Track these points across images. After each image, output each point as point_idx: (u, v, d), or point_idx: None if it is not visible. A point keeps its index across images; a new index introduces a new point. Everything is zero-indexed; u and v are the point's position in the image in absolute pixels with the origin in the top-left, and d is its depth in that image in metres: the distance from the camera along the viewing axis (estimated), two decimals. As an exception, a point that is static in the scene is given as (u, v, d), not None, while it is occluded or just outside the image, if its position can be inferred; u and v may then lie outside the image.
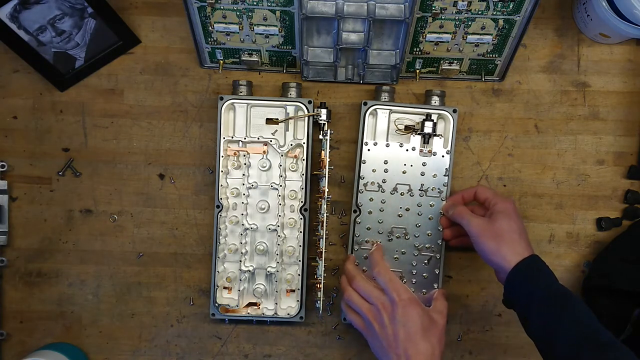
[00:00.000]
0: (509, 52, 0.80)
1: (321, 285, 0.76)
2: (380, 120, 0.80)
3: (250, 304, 0.81)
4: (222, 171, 0.79)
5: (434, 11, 0.74)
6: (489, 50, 0.80)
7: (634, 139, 0.84)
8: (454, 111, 0.79)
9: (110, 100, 0.84)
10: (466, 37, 0.78)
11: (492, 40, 0.78)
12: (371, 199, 0.80)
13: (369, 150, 0.80)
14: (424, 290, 0.79)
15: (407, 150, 0.80)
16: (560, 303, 0.65)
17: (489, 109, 0.84)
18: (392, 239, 0.79)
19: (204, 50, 0.82)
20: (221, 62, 0.83)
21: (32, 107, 0.83)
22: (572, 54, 0.84)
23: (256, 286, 0.81)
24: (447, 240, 0.79)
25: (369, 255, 0.78)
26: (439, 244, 0.79)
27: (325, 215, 0.76)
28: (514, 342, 0.83)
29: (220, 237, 0.79)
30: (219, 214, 0.79)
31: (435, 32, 0.77)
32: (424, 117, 0.79)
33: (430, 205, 0.79)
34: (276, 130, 0.80)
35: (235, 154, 0.80)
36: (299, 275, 0.80)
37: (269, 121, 0.80)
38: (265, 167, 0.80)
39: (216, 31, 0.78)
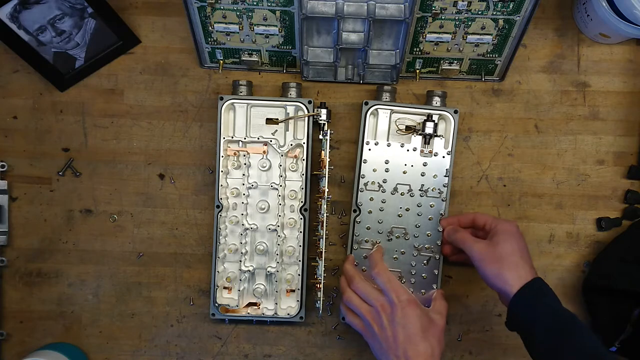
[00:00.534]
0: (509, 52, 0.80)
1: (321, 286, 0.76)
2: (381, 120, 0.80)
3: (250, 304, 0.81)
4: (222, 171, 0.79)
5: (434, 11, 0.74)
6: (489, 50, 0.80)
7: (634, 139, 0.84)
8: (455, 112, 0.79)
9: (110, 100, 0.84)
10: (466, 37, 0.78)
11: (492, 40, 0.78)
12: (371, 199, 0.80)
13: (369, 150, 0.80)
14: (422, 291, 0.79)
15: (408, 150, 0.80)
16: (565, 329, 0.65)
17: (489, 109, 0.84)
18: (391, 239, 0.79)
19: (204, 50, 0.82)
20: (221, 62, 0.83)
21: (32, 107, 0.83)
22: (572, 54, 0.84)
23: (256, 286, 0.81)
24: (447, 256, 0.79)
25: (369, 256, 0.78)
26: (438, 244, 0.79)
27: (325, 215, 0.76)
28: (514, 342, 0.83)
29: (220, 237, 0.79)
30: (219, 214, 0.79)
31: (435, 32, 0.77)
32: (425, 118, 0.79)
33: (431, 206, 0.79)
34: (276, 130, 0.80)
35: (235, 154, 0.80)
36: (299, 275, 0.80)
37: (269, 121, 0.80)
38: (265, 167, 0.80)
39: (216, 31, 0.78)
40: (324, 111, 0.80)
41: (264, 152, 0.80)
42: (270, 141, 0.80)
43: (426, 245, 0.79)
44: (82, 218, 0.83)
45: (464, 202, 0.83)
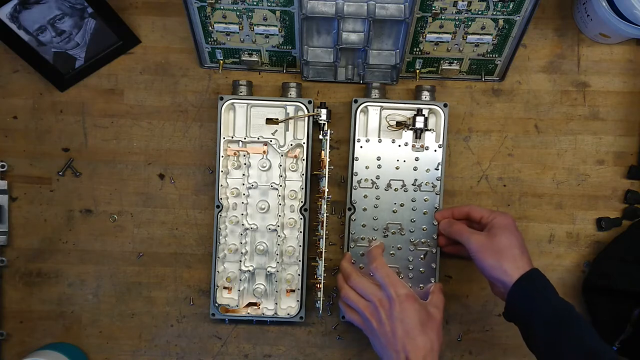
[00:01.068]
0: (509, 52, 0.80)
1: (321, 285, 0.76)
2: (371, 117, 0.80)
3: (250, 304, 0.81)
4: (222, 171, 0.79)
5: (434, 11, 0.74)
6: (489, 50, 0.80)
7: (634, 139, 0.84)
8: (445, 105, 0.79)
9: (110, 100, 0.84)
10: (466, 37, 0.78)
11: (492, 40, 0.78)
12: (365, 196, 0.80)
13: (361, 147, 0.80)
14: (421, 285, 0.79)
15: (399, 146, 0.80)
16: (564, 320, 0.65)
17: (489, 109, 0.84)
18: (387, 235, 0.79)
19: (204, 50, 0.82)
20: (221, 62, 0.83)
21: (32, 107, 0.83)
22: (572, 54, 0.84)
23: (256, 286, 0.81)
24: (442, 247, 0.79)
25: (368, 251, 0.77)
26: (434, 238, 0.79)
27: (325, 215, 0.76)
28: (514, 342, 0.83)
29: (220, 237, 0.79)
30: (219, 214, 0.79)
31: (435, 32, 0.77)
32: (415, 112, 0.79)
33: (425, 200, 0.79)
34: (276, 130, 0.80)
35: (235, 154, 0.80)
36: (299, 275, 0.80)
37: (269, 121, 0.80)
38: (265, 167, 0.80)
39: (216, 31, 0.78)
40: (324, 111, 0.80)
41: (264, 152, 0.80)
42: (270, 141, 0.80)
43: (422, 240, 0.79)
44: (82, 218, 0.83)
45: (464, 202, 0.83)
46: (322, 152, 0.77)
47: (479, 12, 0.75)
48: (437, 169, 0.79)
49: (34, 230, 0.83)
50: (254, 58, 0.81)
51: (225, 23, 0.77)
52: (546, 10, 0.84)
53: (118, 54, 0.83)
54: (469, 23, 0.76)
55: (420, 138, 0.80)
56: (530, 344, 0.67)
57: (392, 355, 0.68)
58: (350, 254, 0.79)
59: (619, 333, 0.78)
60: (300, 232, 0.80)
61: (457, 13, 0.75)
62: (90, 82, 0.84)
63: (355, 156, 0.80)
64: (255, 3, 0.74)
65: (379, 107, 0.80)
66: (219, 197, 0.79)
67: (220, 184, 0.79)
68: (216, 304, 0.80)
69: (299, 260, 0.80)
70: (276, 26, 0.77)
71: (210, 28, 0.78)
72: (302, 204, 0.80)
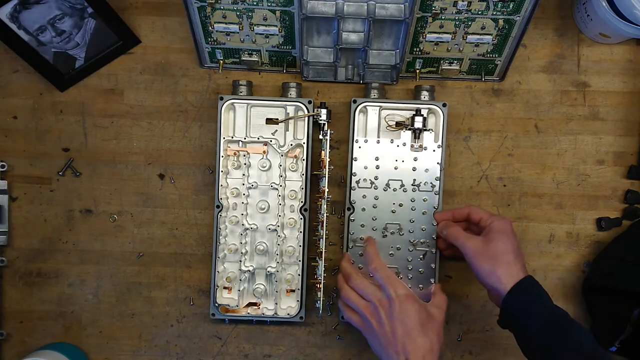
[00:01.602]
0: (509, 52, 0.80)
1: (321, 286, 0.76)
2: (370, 118, 0.80)
3: (250, 304, 0.81)
4: (222, 171, 0.79)
5: (434, 11, 0.74)
6: (489, 50, 0.80)
7: (634, 139, 0.84)
8: (444, 105, 0.79)
9: (110, 100, 0.84)
10: (466, 37, 0.78)
11: (492, 40, 0.78)
12: (364, 196, 0.80)
13: (360, 147, 0.80)
14: (420, 286, 0.79)
15: (398, 146, 0.80)
16: (561, 326, 0.65)
17: (489, 109, 0.84)
18: (386, 235, 0.79)
19: (204, 50, 0.82)
20: (221, 62, 0.83)
21: (32, 107, 0.83)
22: (572, 54, 0.84)
23: (256, 286, 0.81)
24: (441, 250, 0.79)
25: (364, 252, 0.77)
26: (433, 238, 0.79)
27: (325, 215, 0.76)
28: (514, 343, 0.82)
29: (220, 237, 0.79)
30: (219, 214, 0.79)
31: (435, 32, 0.77)
32: (414, 112, 0.79)
33: (424, 200, 0.79)
34: (276, 130, 0.80)
35: (235, 154, 0.80)
36: (299, 275, 0.80)
37: (269, 121, 0.80)
38: (265, 167, 0.80)
39: (216, 31, 0.78)
40: (324, 111, 0.80)
41: (264, 152, 0.80)
42: (270, 141, 0.80)
43: (421, 240, 0.79)
44: (82, 218, 0.83)
45: (464, 202, 0.83)
46: (322, 152, 0.77)
47: (479, 12, 0.75)
48: (436, 169, 0.79)
49: (34, 230, 0.83)
50: (254, 58, 0.81)
51: (225, 23, 0.77)
52: (546, 10, 0.84)
53: (118, 54, 0.83)
54: (469, 23, 0.76)
55: (419, 138, 0.80)
56: (527, 350, 0.67)
57: (392, 355, 0.68)
58: (349, 254, 0.79)
59: (619, 333, 0.78)
60: (300, 232, 0.80)
61: (457, 13, 0.75)
62: (90, 82, 0.84)
63: (354, 156, 0.80)
64: (255, 3, 0.74)
65: (378, 107, 0.80)
66: (219, 197, 0.79)
67: (220, 184, 0.79)
68: (216, 304, 0.80)
69: (299, 260, 0.80)
70: (276, 26, 0.77)
71: (210, 28, 0.78)
72: (302, 204, 0.80)
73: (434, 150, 0.79)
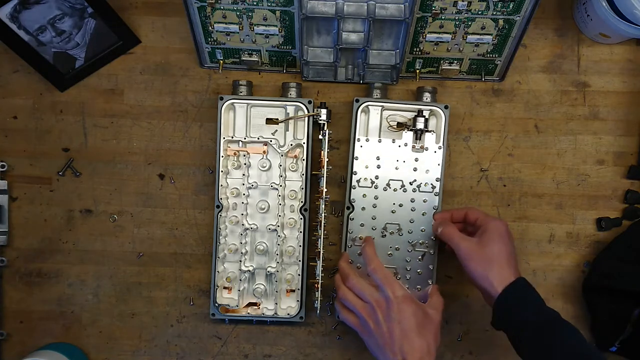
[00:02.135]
0: (509, 52, 0.80)
1: (319, 286, 0.76)
2: (372, 117, 0.80)
3: (250, 304, 0.81)
4: (222, 171, 0.79)
5: (434, 11, 0.74)
6: (489, 50, 0.80)
7: (634, 139, 0.84)
8: (446, 107, 0.79)
9: (110, 100, 0.84)
10: (466, 37, 0.78)
11: (492, 40, 0.78)
12: (364, 195, 0.80)
13: (361, 146, 0.80)
14: (418, 287, 0.79)
15: (399, 146, 0.80)
16: (552, 329, 0.66)
17: (489, 109, 0.84)
18: (385, 235, 0.79)
19: (204, 50, 0.82)
20: (221, 62, 0.83)
21: (32, 107, 0.83)
22: (572, 54, 0.84)
23: (256, 286, 0.81)
24: (441, 243, 0.79)
25: (362, 251, 0.77)
26: (432, 239, 0.79)
27: (323, 215, 0.76)
28: (514, 342, 0.83)
29: (220, 237, 0.79)
30: (219, 214, 0.79)
31: (435, 32, 0.77)
32: (416, 113, 0.79)
33: (424, 201, 0.79)
34: (276, 130, 0.80)
35: (235, 154, 0.80)
36: (299, 275, 0.80)
37: (269, 121, 0.80)
38: (265, 167, 0.80)
39: (216, 31, 0.78)
40: (324, 111, 0.80)
41: (264, 152, 0.80)
42: (270, 141, 0.80)
43: (420, 241, 0.79)
44: (82, 218, 0.83)
45: (464, 202, 0.83)
46: (322, 152, 0.77)
47: (479, 12, 0.75)
48: (437, 170, 0.79)
49: (34, 230, 0.83)
50: (254, 58, 0.81)
51: (225, 23, 0.77)
52: (546, 10, 0.84)
53: (118, 54, 0.83)
54: (469, 23, 0.76)
55: (420, 139, 0.80)
56: (520, 350, 0.68)
57: (389, 356, 0.68)
58: (347, 254, 0.79)
59: (619, 333, 0.78)
60: (300, 232, 0.80)
61: (457, 13, 0.75)
62: (90, 82, 0.84)
63: (355, 155, 0.80)
64: (255, 3, 0.74)
65: (380, 107, 0.80)
66: (219, 197, 0.79)
67: (220, 184, 0.79)
68: (216, 304, 0.80)
69: (299, 260, 0.80)
70: (276, 26, 0.77)
71: (210, 28, 0.78)
72: (302, 204, 0.80)
73: (435, 152, 0.79)
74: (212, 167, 0.83)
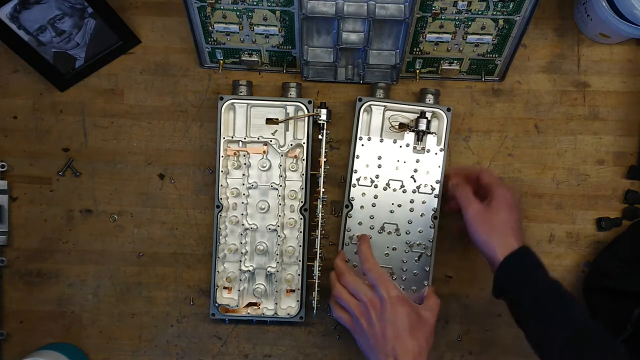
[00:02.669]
0: (509, 52, 0.80)
1: (316, 286, 0.76)
2: (374, 117, 0.80)
3: (250, 304, 0.81)
4: (222, 171, 0.79)
5: (434, 11, 0.74)
6: (489, 50, 0.80)
7: (634, 139, 0.84)
8: (448, 110, 0.79)
9: (110, 100, 0.84)
10: (466, 37, 0.78)
11: (492, 40, 0.78)
12: (363, 194, 0.80)
13: (362, 145, 0.80)
14: (413, 288, 0.79)
15: (400, 146, 0.80)
16: (551, 298, 0.66)
17: (489, 109, 0.84)
18: (383, 234, 0.79)
19: (204, 50, 0.82)
20: (221, 62, 0.83)
21: (32, 107, 0.83)
22: (572, 54, 0.84)
23: (256, 286, 0.81)
24: (447, 208, 0.79)
25: (358, 250, 0.77)
26: (430, 241, 0.79)
27: (320, 215, 0.76)
28: (514, 342, 0.83)
29: (220, 237, 0.79)
30: (219, 214, 0.79)
31: (435, 32, 0.77)
32: (418, 115, 0.79)
33: (423, 203, 0.79)
34: (276, 130, 0.80)
35: (235, 154, 0.80)
36: (299, 275, 0.80)
37: (269, 121, 0.80)
38: (265, 167, 0.80)
39: (216, 31, 0.78)
40: (324, 111, 0.80)
41: (264, 152, 0.80)
42: (270, 141, 0.80)
43: (417, 242, 0.79)
44: (82, 218, 0.83)
45: (464, 202, 0.83)
46: (321, 151, 0.77)
47: (479, 12, 0.75)
48: (437, 172, 0.79)
49: (34, 230, 0.83)
50: (254, 58, 0.81)
51: (225, 23, 0.77)
52: (546, 10, 0.84)
53: (118, 54, 0.83)
54: (469, 23, 0.76)
55: (422, 140, 0.80)
56: (519, 319, 0.68)
57: (381, 356, 0.68)
58: (344, 252, 0.79)
59: (619, 333, 0.78)
60: (300, 232, 0.80)
61: (457, 13, 0.75)
62: (90, 82, 0.84)
63: (356, 154, 0.80)
64: (255, 3, 0.74)
65: (383, 107, 0.80)
66: (219, 197, 0.79)
67: (220, 184, 0.79)
68: (216, 304, 0.80)
69: (299, 260, 0.80)
70: (276, 26, 0.77)
71: (210, 28, 0.78)
72: (302, 204, 0.80)
73: (436, 154, 0.79)
74: (212, 167, 0.83)
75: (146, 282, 0.83)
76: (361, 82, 0.83)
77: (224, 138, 0.79)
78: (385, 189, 0.80)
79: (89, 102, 0.84)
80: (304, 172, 0.80)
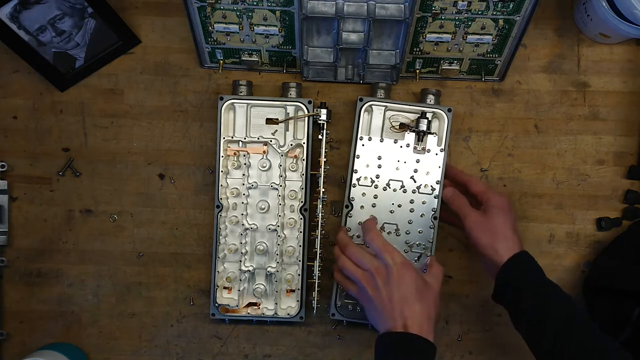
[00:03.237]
0: (509, 52, 0.80)
1: (316, 285, 0.77)
2: (375, 117, 0.80)
3: (250, 304, 0.81)
4: (222, 171, 0.79)
5: (434, 11, 0.74)
6: (489, 50, 0.80)
7: (634, 139, 0.84)
8: (449, 110, 0.79)
9: (110, 100, 0.84)
10: (466, 37, 0.78)
11: (492, 40, 0.78)
12: (364, 194, 0.80)
13: (363, 145, 0.80)
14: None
15: (401, 147, 0.80)
16: (549, 300, 0.68)
17: (489, 109, 0.84)
18: (383, 235, 0.79)
19: (204, 50, 0.82)
20: (221, 62, 0.83)
21: (32, 107, 0.83)
22: (572, 54, 0.84)
23: (256, 286, 0.81)
24: (442, 217, 0.80)
25: (362, 223, 0.77)
26: (429, 241, 0.79)
27: (320, 215, 0.76)
28: (514, 342, 0.83)
29: (220, 237, 0.79)
30: (219, 214, 0.79)
31: (435, 32, 0.77)
32: (419, 115, 0.79)
33: (423, 203, 0.79)
34: (276, 130, 0.80)
35: (235, 154, 0.80)
36: (299, 275, 0.80)
37: (269, 121, 0.80)
38: (265, 167, 0.80)
39: (216, 31, 0.78)
40: (324, 111, 0.80)
41: (264, 152, 0.80)
42: (270, 141, 0.80)
43: (417, 242, 0.79)
44: (82, 218, 0.83)
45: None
46: (321, 151, 0.77)
47: (479, 12, 0.75)
48: (437, 173, 0.79)
49: (34, 230, 0.83)
50: (254, 58, 0.81)
51: (225, 23, 0.77)
52: (546, 10, 0.84)
53: (118, 54, 0.83)
54: (469, 23, 0.76)
55: (422, 141, 0.80)
56: (517, 323, 0.69)
57: (389, 321, 0.68)
58: (346, 227, 0.79)
59: (619, 333, 0.78)
60: (300, 232, 0.80)
61: (457, 13, 0.75)
62: (90, 82, 0.84)
63: (356, 154, 0.80)
64: (255, 3, 0.74)
65: (384, 107, 0.80)
66: (219, 197, 0.79)
67: (220, 184, 0.79)
68: (216, 304, 0.80)
69: (299, 260, 0.80)
70: (276, 26, 0.77)
71: (210, 28, 0.78)
72: (302, 204, 0.80)
73: (436, 154, 0.79)
74: (212, 167, 0.83)
75: (146, 282, 0.83)
76: (361, 82, 0.83)
77: (224, 138, 0.79)
78: (385, 189, 0.80)
79: (89, 102, 0.84)
80: (304, 172, 0.80)
